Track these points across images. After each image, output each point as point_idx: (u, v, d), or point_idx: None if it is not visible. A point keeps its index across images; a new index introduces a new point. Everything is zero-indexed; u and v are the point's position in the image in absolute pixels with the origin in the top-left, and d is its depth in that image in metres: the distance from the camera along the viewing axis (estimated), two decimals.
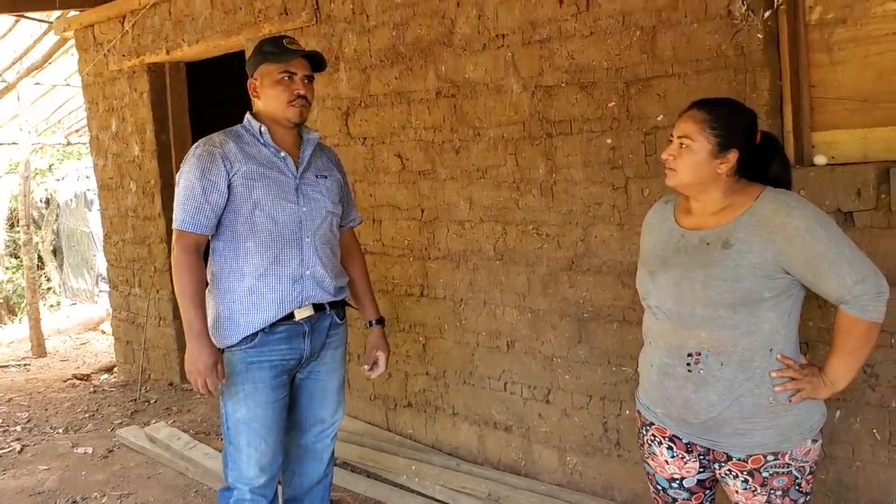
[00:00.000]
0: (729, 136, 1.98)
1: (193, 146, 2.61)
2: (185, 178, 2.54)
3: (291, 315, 2.59)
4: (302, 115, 2.61)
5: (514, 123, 3.43)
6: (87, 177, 10.90)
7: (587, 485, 3.38)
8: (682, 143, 2.01)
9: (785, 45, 2.69)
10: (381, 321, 2.96)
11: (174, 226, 2.55)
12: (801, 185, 2.56)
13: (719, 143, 1.97)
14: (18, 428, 4.99)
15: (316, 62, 2.67)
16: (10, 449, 4.60)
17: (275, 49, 2.59)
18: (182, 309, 2.54)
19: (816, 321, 2.63)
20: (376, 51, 3.94)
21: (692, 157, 1.99)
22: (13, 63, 8.50)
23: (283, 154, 2.62)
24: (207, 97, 5.97)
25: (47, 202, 12.66)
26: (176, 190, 2.58)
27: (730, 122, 1.99)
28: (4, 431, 4.93)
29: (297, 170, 2.63)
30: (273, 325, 2.56)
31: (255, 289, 2.55)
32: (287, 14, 4.29)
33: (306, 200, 2.62)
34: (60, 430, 4.92)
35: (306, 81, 2.62)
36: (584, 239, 3.26)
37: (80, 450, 4.52)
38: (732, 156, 1.98)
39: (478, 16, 3.47)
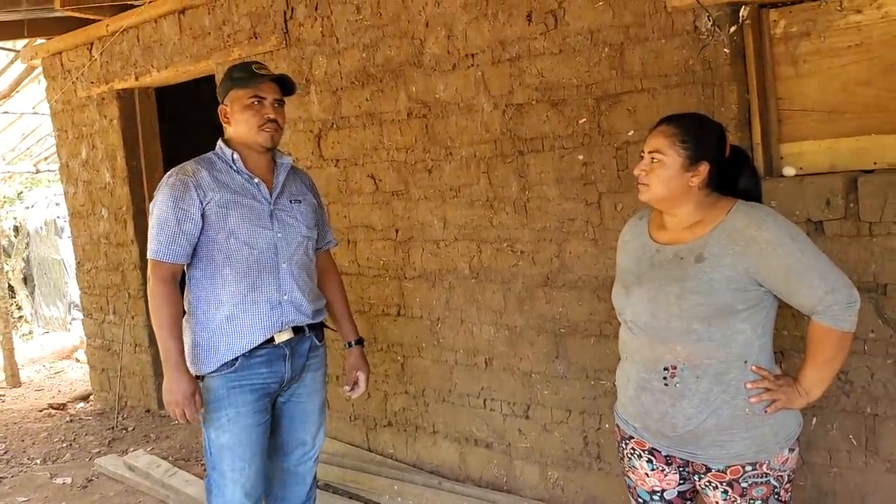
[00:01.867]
0: (699, 149, 2.01)
1: (166, 175, 2.60)
2: (159, 208, 2.53)
3: (271, 339, 2.58)
4: (273, 139, 2.61)
5: (485, 142, 3.45)
6: (57, 204, 10.79)
7: (569, 499, 3.39)
8: (653, 158, 2.04)
9: (751, 58, 2.73)
10: (360, 341, 2.96)
11: (149, 256, 2.54)
12: (770, 196, 2.60)
13: (690, 157, 2.00)
14: None
15: (286, 86, 2.67)
16: None
17: (244, 74, 2.59)
18: (159, 340, 2.53)
19: (791, 330, 2.66)
20: (347, 73, 3.95)
21: (664, 171, 2.02)
22: None
23: (256, 180, 2.61)
24: (179, 122, 5.95)
25: (16, 230, 12.50)
26: (150, 220, 2.57)
27: (699, 136, 2.03)
28: None
29: (272, 195, 2.63)
30: (253, 350, 2.55)
31: (234, 316, 2.54)
32: (256, 38, 4.30)
33: (281, 226, 2.62)
34: (38, 461, 4.85)
35: (277, 105, 2.62)
36: (558, 255, 3.28)
37: (59, 480, 4.46)
38: (703, 168, 2.01)
39: (447, 36, 3.49)
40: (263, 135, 2.58)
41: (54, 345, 9.30)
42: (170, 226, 2.49)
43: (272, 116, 2.59)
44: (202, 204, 2.51)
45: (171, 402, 2.47)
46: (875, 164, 2.58)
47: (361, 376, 2.91)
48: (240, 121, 2.60)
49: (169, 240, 2.49)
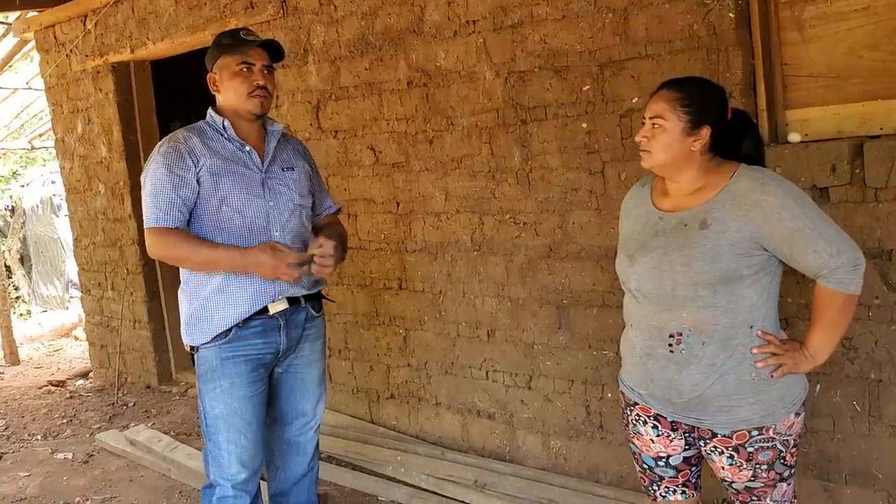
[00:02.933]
0: (700, 113, 1.99)
1: (157, 145, 2.57)
2: (153, 176, 2.49)
3: (265, 309, 2.56)
4: (263, 106, 2.58)
5: (487, 111, 3.42)
6: (53, 182, 10.72)
7: (572, 468, 3.40)
8: (654, 124, 2.02)
9: (756, 23, 2.70)
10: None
11: (147, 225, 2.50)
12: (776, 162, 2.58)
13: (691, 121, 1.98)
14: None
15: (275, 53, 2.63)
16: None
17: (231, 41, 2.56)
18: (211, 264, 2.49)
19: (795, 297, 2.65)
20: (345, 42, 3.91)
21: (666, 136, 2.00)
22: None
23: (248, 148, 2.59)
24: (176, 95, 5.90)
25: (12, 210, 12.43)
26: (143, 191, 2.53)
27: (700, 99, 2.01)
28: None
29: (263, 163, 2.61)
30: (247, 320, 2.54)
31: (226, 286, 2.52)
32: (253, 8, 4.24)
33: (273, 194, 2.59)
34: (39, 437, 4.85)
35: (266, 72, 2.59)
36: (561, 226, 3.26)
37: (60, 455, 4.46)
38: (705, 132, 1.99)
39: (447, 2, 3.45)
40: (253, 101, 2.55)
41: (53, 323, 9.28)
42: (166, 192, 2.46)
43: (261, 83, 2.56)
44: (196, 170, 2.49)
45: (276, 275, 2.46)
46: (881, 129, 2.55)
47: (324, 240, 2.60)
48: (229, 88, 2.57)
49: (167, 205, 2.46)
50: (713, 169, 2.03)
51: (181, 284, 2.62)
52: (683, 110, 1.99)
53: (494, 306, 3.56)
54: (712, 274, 1.93)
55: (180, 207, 2.48)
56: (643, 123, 2.06)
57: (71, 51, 5.61)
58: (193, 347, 2.59)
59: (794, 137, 2.71)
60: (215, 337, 2.53)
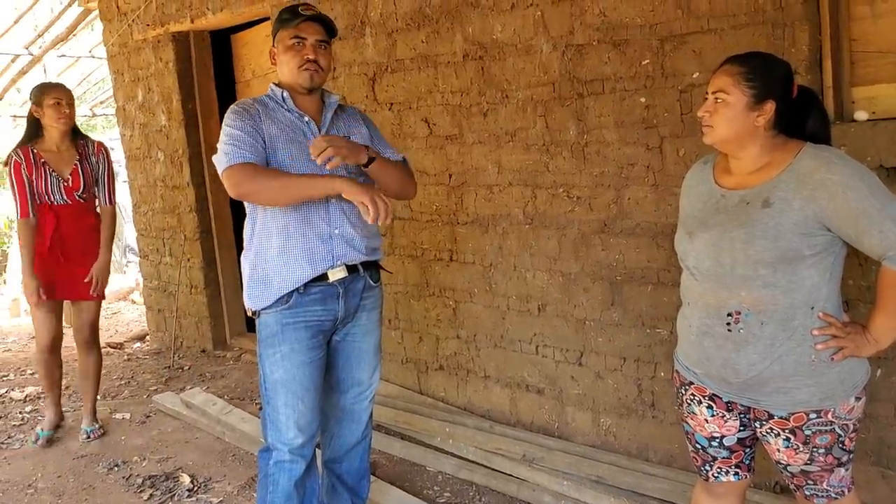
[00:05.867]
0: (764, 87, 1.95)
1: (229, 108, 2.62)
2: (230, 126, 2.52)
3: (325, 276, 2.60)
4: (313, 79, 2.60)
5: (543, 84, 3.39)
6: (113, 149, 10.93)
7: (622, 446, 3.39)
8: (717, 98, 1.98)
9: None
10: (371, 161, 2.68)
11: (227, 164, 2.46)
12: (841, 141, 2.51)
13: (755, 95, 1.95)
14: None
15: (331, 28, 2.65)
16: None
17: (288, 15, 2.59)
18: (299, 187, 2.47)
19: (857, 279, 2.59)
20: (402, 14, 3.90)
21: (729, 111, 1.96)
22: (38, 36, 8.51)
23: (306, 118, 2.63)
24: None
25: None
26: (220, 143, 2.53)
27: (764, 73, 1.97)
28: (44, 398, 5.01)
29: (320, 132, 2.64)
30: (307, 286, 2.57)
31: (285, 248, 2.55)
32: None
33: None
34: (98, 397, 4.99)
35: (322, 47, 2.61)
36: (616, 201, 3.23)
37: (119, 415, 4.60)
38: (770, 107, 1.95)
39: None
40: (303, 74, 2.58)
41: (111, 286, 9.51)
42: (244, 137, 2.49)
43: (311, 57, 2.58)
44: (262, 131, 2.53)
45: (368, 197, 2.40)
46: None
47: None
48: (283, 61, 2.62)
49: (247, 146, 2.48)
50: (778, 146, 1.99)
51: (245, 247, 2.67)
52: (747, 84, 1.95)
53: (546, 280, 3.55)
54: (773, 253, 1.90)
55: (257, 147, 2.50)
56: (706, 99, 2.02)
57: (133, 20, 5.69)
58: (255, 312, 2.64)
59: (861, 115, 2.63)
60: (276, 301, 2.57)
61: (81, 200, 4.08)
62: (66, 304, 4.30)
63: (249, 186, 2.47)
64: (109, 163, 4.22)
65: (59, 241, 4.04)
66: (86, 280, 4.09)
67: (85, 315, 4.24)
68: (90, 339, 4.29)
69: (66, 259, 4.05)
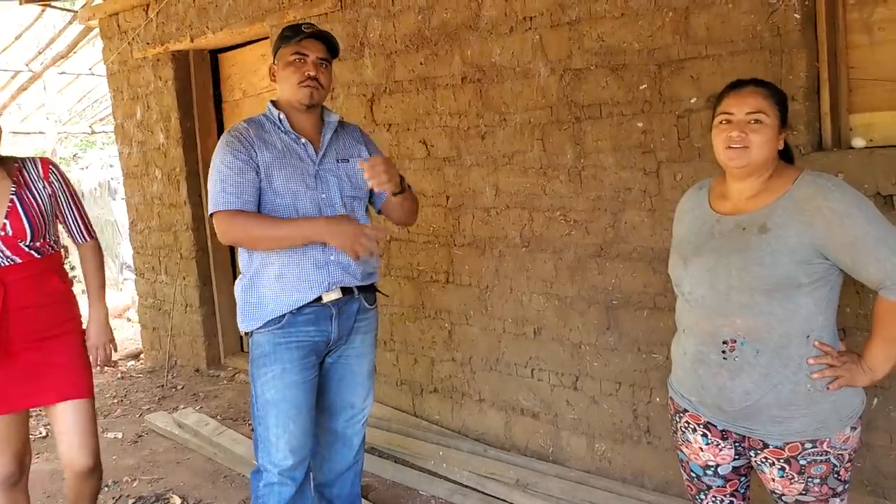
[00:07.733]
0: (785, 111, 1.98)
1: (220, 138, 2.62)
2: (219, 163, 2.53)
3: (319, 298, 2.59)
4: (312, 96, 2.59)
5: (541, 108, 3.39)
6: (111, 166, 10.96)
7: (617, 472, 3.36)
8: (755, 119, 1.92)
9: (822, 25, 2.63)
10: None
11: (217, 209, 2.49)
12: (838, 168, 2.51)
13: (782, 119, 1.96)
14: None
15: (333, 48, 2.66)
16: (41, 434, 4.65)
17: (291, 33, 2.60)
18: (287, 239, 2.50)
19: (854, 307, 2.58)
20: (401, 36, 3.91)
21: (767, 132, 1.92)
22: (39, 53, 8.55)
23: (303, 141, 2.62)
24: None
25: None
26: (210, 181, 2.55)
27: (783, 97, 1.99)
28: (34, 417, 4.96)
29: (318, 155, 2.62)
30: (300, 308, 2.57)
31: (281, 275, 2.55)
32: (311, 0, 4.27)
33: (325, 187, 2.61)
34: None
35: (323, 66, 2.61)
36: (613, 225, 3.22)
37: (111, 434, 4.57)
38: (786, 131, 1.98)
39: None
40: (303, 91, 2.58)
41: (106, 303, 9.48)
42: (234, 177, 2.49)
43: (312, 73, 2.58)
44: (255, 161, 2.53)
45: (349, 247, 2.45)
46: None
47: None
48: (283, 78, 2.62)
49: (236, 189, 2.48)
50: (776, 173, 1.98)
51: (240, 275, 2.66)
52: (778, 108, 1.95)
53: (542, 304, 3.53)
54: (769, 280, 1.88)
55: (249, 190, 2.50)
56: (727, 121, 1.95)
57: (133, 39, 5.72)
58: (248, 332, 2.63)
59: (859, 143, 2.64)
60: (268, 322, 2.56)
61: (34, 254, 2.66)
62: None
63: (242, 234, 2.52)
64: (67, 184, 2.83)
65: (5, 322, 2.59)
66: (73, 360, 2.87)
67: (71, 419, 2.74)
68: (87, 456, 2.74)
69: (19, 348, 2.63)
